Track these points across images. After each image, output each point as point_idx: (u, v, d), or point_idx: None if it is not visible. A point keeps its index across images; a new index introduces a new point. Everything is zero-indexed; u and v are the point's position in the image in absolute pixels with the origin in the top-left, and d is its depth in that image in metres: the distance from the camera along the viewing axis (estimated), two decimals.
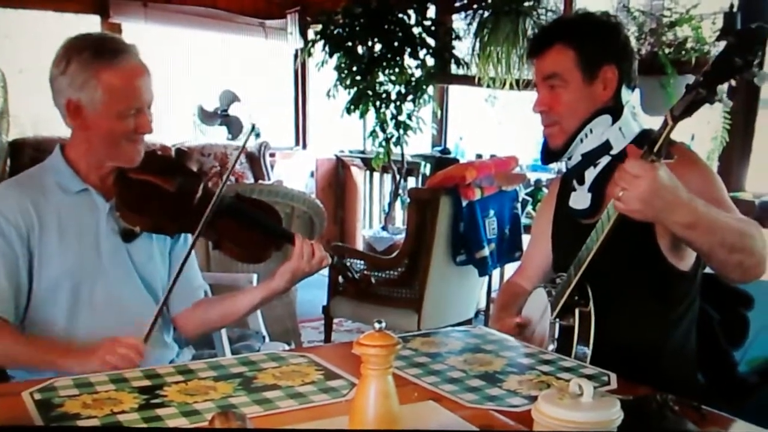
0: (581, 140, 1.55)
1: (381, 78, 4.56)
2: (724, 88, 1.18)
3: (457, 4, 4.74)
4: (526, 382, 1.28)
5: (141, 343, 1.44)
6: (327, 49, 4.57)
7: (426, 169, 5.03)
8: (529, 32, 3.91)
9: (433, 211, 3.24)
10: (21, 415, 1.11)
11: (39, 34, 5.72)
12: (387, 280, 3.37)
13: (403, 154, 4.75)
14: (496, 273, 3.92)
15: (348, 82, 4.58)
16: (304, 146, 6.76)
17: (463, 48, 4.50)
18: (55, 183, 1.58)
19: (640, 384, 1.25)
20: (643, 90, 3.08)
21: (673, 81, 2.97)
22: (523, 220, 3.69)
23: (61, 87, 1.54)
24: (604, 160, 1.54)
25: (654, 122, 1.34)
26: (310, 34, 5.41)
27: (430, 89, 4.72)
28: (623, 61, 1.57)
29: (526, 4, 3.95)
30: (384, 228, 5.06)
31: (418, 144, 5.05)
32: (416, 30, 4.50)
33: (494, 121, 5.61)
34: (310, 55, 4.98)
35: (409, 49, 4.50)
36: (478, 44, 4.13)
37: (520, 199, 3.73)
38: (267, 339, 2.26)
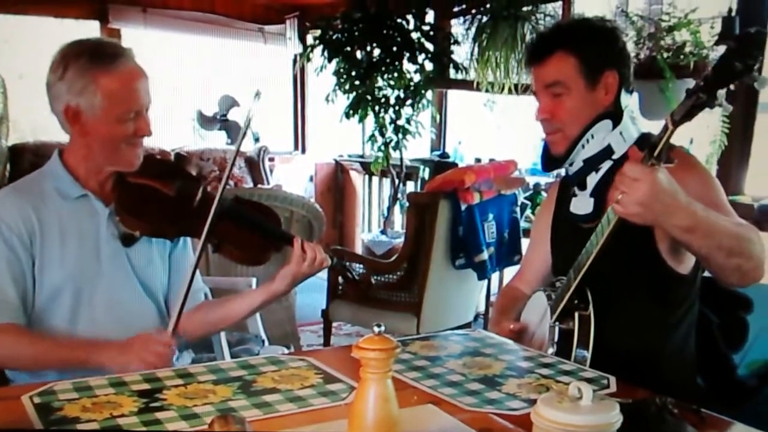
0: (582, 146, 1.55)
1: (380, 83, 4.56)
2: (723, 92, 1.19)
3: (456, 9, 4.76)
4: (526, 386, 1.28)
5: (171, 339, 1.47)
6: (326, 54, 4.58)
7: (425, 173, 5.04)
8: (528, 37, 3.91)
9: (432, 215, 3.24)
10: (21, 418, 1.10)
11: (39, 40, 5.73)
12: (386, 284, 3.38)
13: (402, 159, 4.76)
14: (495, 277, 3.93)
15: (347, 87, 4.59)
16: (303, 151, 6.77)
17: (461, 53, 4.51)
18: (54, 189, 1.58)
19: (640, 387, 1.25)
20: (642, 94, 3.08)
21: (672, 85, 2.97)
22: (522, 224, 3.70)
23: (58, 93, 1.53)
24: (606, 165, 1.54)
25: (653, 126, 1.34)
26: (309, 39, 5.43)
27: (429, 94, 4.72)
28: (622, 65, 1.58)
29: (525, 8, 3.96)
30: (383, 232, 5.06)
31: (417, 148, 5.06)
32: (415, 35, 4.51)
33: (493, 126, 5.63)
34: (309, 60, 4.99)
35: (407, 54, 4.51)
36: (476, 49, 4.14)
37: (519, 203, 3.73)
38: (266, 342, 2.26)
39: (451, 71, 4.59)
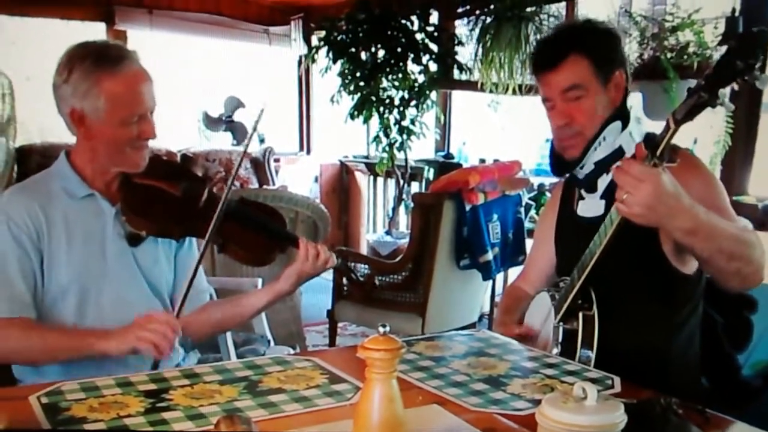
0: (595, 148, 1.55)
1: (384, 83, 4.57)
2: (726, 91, 1.19)
3: (460, 10, 4.75)
4: (530, 386, 1.28)
5: (173, 318, 1.46)
6: (330, 55, 4.59)
7: (429, 173, 5.04)
8: (531, 38, 3.91)
9: (436, 215, 3.25)
10: (28, 418, 1.11)
11: (45, 42, 5.75)
12: (391, 284, 3.38)
13: (406, 159, 4.76)
14: (499, 277, 3.92)
15: (351, 88, 4.59)
16: (309, 151, 6.78)
17: (465, 53, 4.50)
18: (61, 188, 1.59)
19: (644, 387, 1.26)
20: (646, 94, 3.07)
21: (676, 85, 2.96)
22: (527, 225, 3.70)
23: (64, 95, 1.54)
24: None
25: (656, 127, 1.35)
26: (314, 41, 5.43)
27: (433, 94, 4.72)
28: (626, 65, 1.60)
29: (529, 9, 3.96)
30: (388, 232, 5.07)
31: (421, 149, 5.06)
32: (419, 36, 4.52)
33: (497, 126, 5.62)
34: (313, 61, 4.99)
35: (412, 55, 4.51)
36: (480, 50, 4.14)
37: (524, 204, 3.73)
38: (272, 343, 2.27)
39: (456, 72, 4.59)
